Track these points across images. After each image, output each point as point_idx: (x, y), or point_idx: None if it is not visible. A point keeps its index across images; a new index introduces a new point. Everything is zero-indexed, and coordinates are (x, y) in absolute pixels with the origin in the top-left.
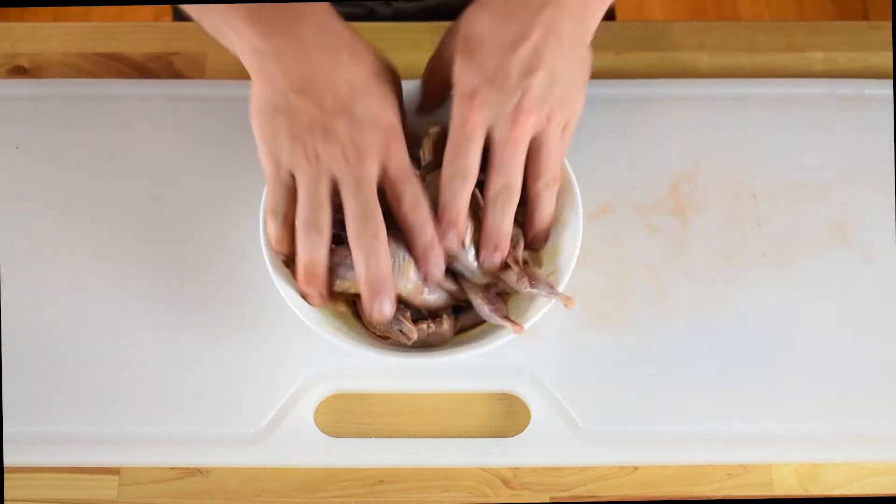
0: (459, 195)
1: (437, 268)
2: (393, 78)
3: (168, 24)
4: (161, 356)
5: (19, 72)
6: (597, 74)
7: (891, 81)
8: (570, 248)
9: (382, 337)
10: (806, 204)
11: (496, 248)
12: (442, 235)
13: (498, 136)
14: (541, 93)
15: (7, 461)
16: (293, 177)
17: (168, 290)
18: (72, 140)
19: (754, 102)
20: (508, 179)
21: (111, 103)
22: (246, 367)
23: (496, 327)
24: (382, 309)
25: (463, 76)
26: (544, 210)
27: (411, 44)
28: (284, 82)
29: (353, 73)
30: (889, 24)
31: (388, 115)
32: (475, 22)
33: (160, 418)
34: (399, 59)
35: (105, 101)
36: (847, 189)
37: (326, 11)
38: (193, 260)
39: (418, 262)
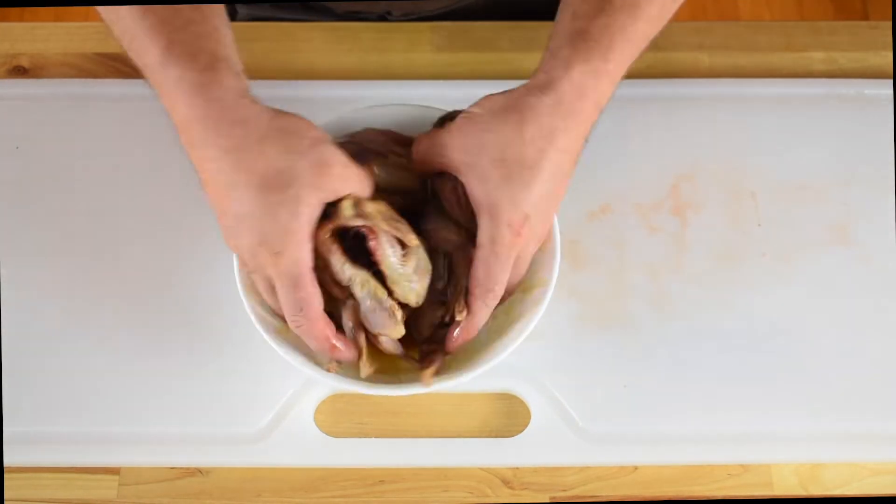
0: (488, 309)
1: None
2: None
3: None
4: (161, 356)
5: (19, 72)
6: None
7: (891, 81)
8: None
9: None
10: (806, 204)
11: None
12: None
13: (474, 278)
14: (518, 241)
15: (7, 461)
16: None
17: (169, 290)
18: (72, 140)
19: (754, 102)
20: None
21: (111, 103)
22: (246, 367)
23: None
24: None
25: (513, 204)
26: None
27: (411, 44)
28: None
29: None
30: (889, 24)
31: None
32: (509, 150)
33: (160, 418)
34: (399, 59)
35: (105, 101)
36: (847, 189)
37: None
38: (194, 259)
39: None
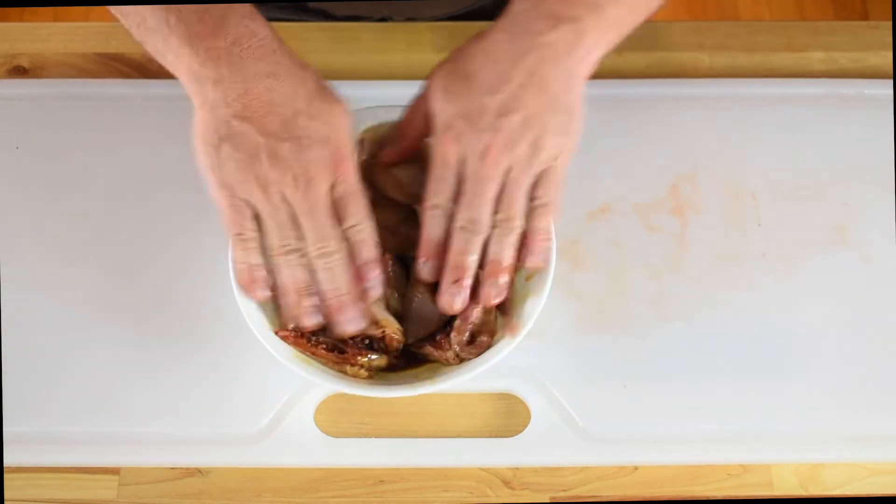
0: (439, 227)
1: (376, 284)
2: (336, 98)
3: None
4: (162, 356)
5: (19, 72)
6: (597, 74)
7: (891, 81)
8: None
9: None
10: (806, 204)
11: (457, 281)
12: (421, 267)
13: (468, 171)
14: (513, 135)
15: (7, 461)
16: (249, 203)
17: (169, 290)
18: (72, 140)
19: (754, 102)
20: (473, 215)
21: (111, 103)
22: (246, 367)
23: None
24: (350, 321)
25: (443, 111)
26: (494, 250)
27: (411, 44)
28: (225, 109)
29: (295, 94)
30: (889, 24)
31: (335, 135)
32: (459, 63)
33: (160, 418)
34: (399, 59)
35: (105, 101)
36: (847, 189)
37: (266, 34)
38: (195, 259)
39: (358, 277)
